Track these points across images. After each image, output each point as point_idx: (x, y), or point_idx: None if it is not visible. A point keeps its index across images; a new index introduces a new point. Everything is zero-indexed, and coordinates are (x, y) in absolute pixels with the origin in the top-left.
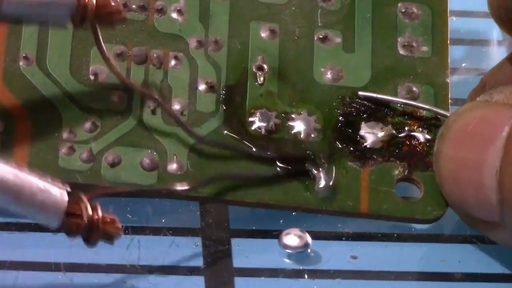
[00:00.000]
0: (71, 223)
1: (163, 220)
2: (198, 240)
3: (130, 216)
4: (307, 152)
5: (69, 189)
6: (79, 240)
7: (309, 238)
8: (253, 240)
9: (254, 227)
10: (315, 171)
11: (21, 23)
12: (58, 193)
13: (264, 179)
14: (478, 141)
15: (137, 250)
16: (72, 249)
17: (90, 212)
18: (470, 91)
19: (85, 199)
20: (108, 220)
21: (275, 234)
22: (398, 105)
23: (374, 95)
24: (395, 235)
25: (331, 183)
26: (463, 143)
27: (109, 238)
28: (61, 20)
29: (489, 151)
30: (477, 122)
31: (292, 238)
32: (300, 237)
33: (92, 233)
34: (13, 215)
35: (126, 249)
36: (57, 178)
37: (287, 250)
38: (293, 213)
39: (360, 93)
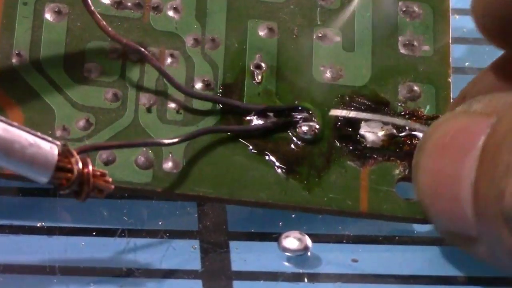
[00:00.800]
0: (61, 177)
1: (160, 223)
2: (195, 243)
3: (126, 219)
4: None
5: (59, 143)
6: (73, 242)
7: (309, 241)
8: (252, 243)
9: (252, 230)
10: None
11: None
12: (48, 147)
13: (250, 132)
14: (455, 153)
15: (133, 253)
16: (67, 252)
17: (80, 166)
18: (451, 102)
19: (75, 153)
20: (98, 173)
21: (274, 237)
22: (399, 104)
23: (346, 114)
24: (397, 238)
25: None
26: (440, 156)
27: (100, 191)
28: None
29: (466, 163)
30: (454, 133)
31: (291, 241)
32: (299, 239)
33: (83, 187)
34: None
35: (122, 252)
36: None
37: (286, 253)
38: (293, 215)
39: (331, 113)
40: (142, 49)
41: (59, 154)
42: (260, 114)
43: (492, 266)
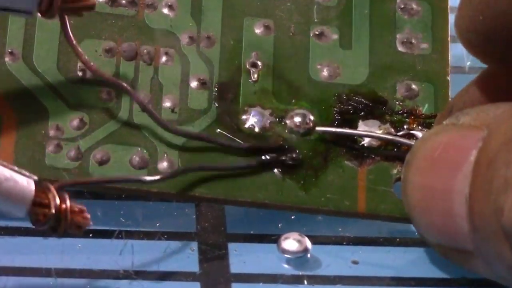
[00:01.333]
0: (38, 213)
1: (157, 224)
2: (193, 245)
3: (123, 220)
4: (281, 143)
5: (36, 178)
6: (70, 244)
7: (308, 243)
8: (251, 244)
9: (251, 231)
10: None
11: None
12: (25, 182)
13: (234, 170)
14: (445, 168)
15: (130, 255)
16: (63, 254)
17: (57, 202)
18: (438, 115)
19: (52, 188)
20: (76, 209)
21: (274, 239)
22: (397, 102)
23: (333, 129)
24: (397, 239)
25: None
26: (430, 170)
27: (78, 228)
28: (27, 8)
29: (458, 178)
30: (444, 147)
31: (291, 243)
32: (299, 241)
33: (60, 223)
34: None
35: (119, 254)
36: (44, 176)
37: (285, 255)
38: (292, 217)
39: (318, 128)
40: (125, 84)
41: (36, 189)
42: (248, 150)
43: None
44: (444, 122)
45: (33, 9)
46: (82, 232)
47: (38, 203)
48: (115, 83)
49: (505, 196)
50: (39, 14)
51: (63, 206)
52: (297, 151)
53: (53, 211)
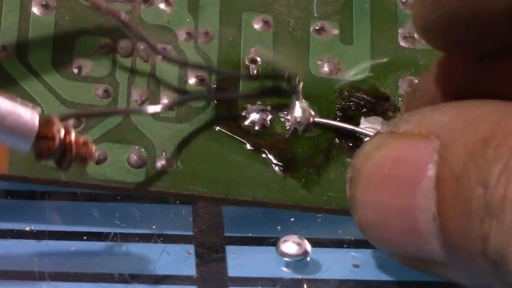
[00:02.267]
0: (43, 146)
1: (154, 226)
2: (190, 248)
3: (118, 222)
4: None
5: (40, 111)
6: (63, 247)
7: (308, 246)
8: (249, 247)
9: (250, 234)
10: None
11: None
12: (29, 115)
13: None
14: (400, 185)
15: (126, 258)
16: (57, 257)
17: (62, 134)
18: (404, 98)
19: (57, 121)
20: (81, 142)
21: (272, 241)
22: (399, 98)
23: (332, 122)
24: None
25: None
26: (382, 188)
27: (82, 160)
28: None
29: (417, 195)
30: (393, 163)
31: (290, 246)
32: (298, 244)
33: (65, 155)
34: None
35: (115, 258)
36: (40, 176)
37: (285, 258)
38: (291, 219)
39: (316, 119)
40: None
41: (40, 122)
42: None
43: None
44: (381, 131)
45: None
46: (87, 164)
47: (42, 136)
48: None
49: (488, 224)
50: (35, 12)
51: (68, 138)
52: (298, 78)
53: (58, 143)
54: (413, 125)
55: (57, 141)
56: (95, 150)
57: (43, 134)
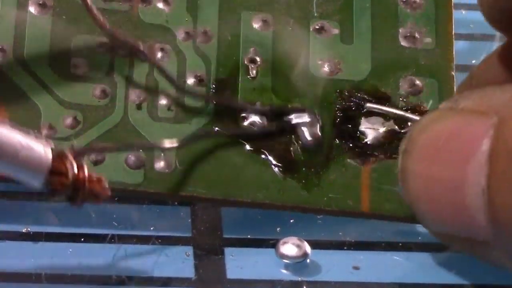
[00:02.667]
0: (55, 182)
1: (152, 228)
2: (189, 250)
3: (116, 224)
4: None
5: (53, 146)
6: (60, 249)
7: (308, 247)
8: (248, 249)
9: (249, 236)
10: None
11: None
12: (42, 150)
13: (252, 134)
14: (453, 158)
15: (123, 260)
16: (54, 259)
17: (75, 170)
18: (459, 85)
19: (70, 156)
20: (95, 178)
21: (272, 243)
22: (400, 98)
23: (381, 107)
24: (400, 244)
25: (317, 130)
26: (435, 160)
27: (96, 198)
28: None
29: (469, 168)
30: (448, 136)
31: (289, 248)
32: (298, 246)
33: (78, 192)
34: None
35: (112, 259)
36: None
37: (284, 260)
38: (291, 221)
39: (368, 104)
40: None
41: (53, 157)
42: (258, 113)
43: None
44: (441, 106)
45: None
46: (100, 202)
47: (55, 172)
48: (134, 47)
49: None
50: (32, 11)
51: (81, 174)
52: (318, 114)
53: (71, 179)
54: (473, 101)
55: (70, 176)
56: (109, 187)
57: (56, 169)
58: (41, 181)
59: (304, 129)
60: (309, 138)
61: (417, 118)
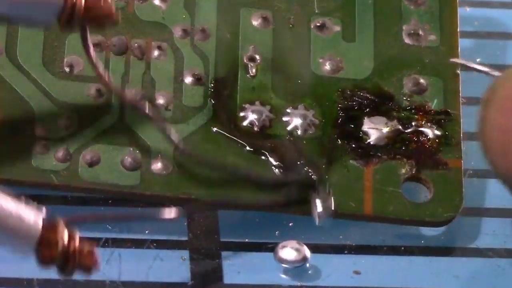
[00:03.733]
0: (44, 254)
1: (147, 231)
2: (185, 254)
3: (109, 227)
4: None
5: (44, 214)
6: None
7: (307, 251)
8: (246, 253)
9: (246, 239)
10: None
11: (4, 22)
12: (32, 218)
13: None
14: None
15: (117, 264)
16: None
17: (66, 241)
18: None
19: (62, 225)
20: (85, 251)
21: (270, 247)
22: (404, 98)
23: (466, 62)
24: (403, 248)
25: (331, 205)
26: None
27: (86, 270)
28: (47, 20)
29: None
30: None
31: (288, 252)
32: (297, 250)
33: (67, 264)
34: None
35: (106, 264)
36: (30, 178)
37: (283, 265)
38: (290, 224)
39: (452, 60)
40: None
41: (43, 227)
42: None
43: None
44: None
45: (52, 21)
46: (90, 273)
47: (44, 242)
48: (137, 107)
49: None
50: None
51: (72, 246)
52: (329, 188)
53: (60, 252)
54: None
55: (60, 248)
56: (100, 261)
57: (46, 240)
58: (30, 251)
59: (318, 202)
60: (320, 210)
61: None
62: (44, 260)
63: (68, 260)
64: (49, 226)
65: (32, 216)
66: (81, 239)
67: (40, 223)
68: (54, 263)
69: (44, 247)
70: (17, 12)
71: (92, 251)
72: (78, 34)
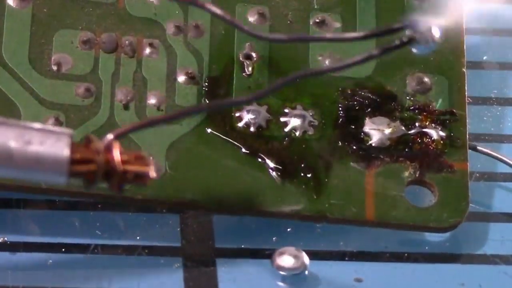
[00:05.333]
0: (82, 172)
1: (138, 237)
2: (178, 261)
3: (99, 233)
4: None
5: (71, 132)
6: (40, 259)
7: (306, 258)
8: (242, 260)
9: (242, 246)
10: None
11: None
12: (54, 139)
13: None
14: None
15: (107, 272)
16: (32, 271)
17: (102, 154)
18: None
19: (95, 138)
20: (127, 157)
21: (267, 254)
22: (407, 97)
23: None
24: (406, 254)
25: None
26: None
27: (138, 178)
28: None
29: None
30: None
31: (286, 258)
32: (296, 257)
33: (113, 177)
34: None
35: (95, 271)
36: (16, 184)
37: (281, 272)
38: (288, 229)
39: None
40: None
41: (73, 145)
42: None
43: None
44: None
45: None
46: (146, 181)
47: (77, 161)
48: None
49: None
50: (11, 3)
51: (111, 156)
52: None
53: (99, 164)
54: None
55: (98, 161)
56: (153, 165)
57: (80, 157)
58: (64, 174)
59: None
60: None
61: None
62: (86, 180)
63: (112, 173)
64: (82, 143)
65: (54, 137)
66: (125, 151)
67: (66, 142)
68: (98, 179)
69: (79, 165)
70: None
71: (138, 155)
72: (67, 31)
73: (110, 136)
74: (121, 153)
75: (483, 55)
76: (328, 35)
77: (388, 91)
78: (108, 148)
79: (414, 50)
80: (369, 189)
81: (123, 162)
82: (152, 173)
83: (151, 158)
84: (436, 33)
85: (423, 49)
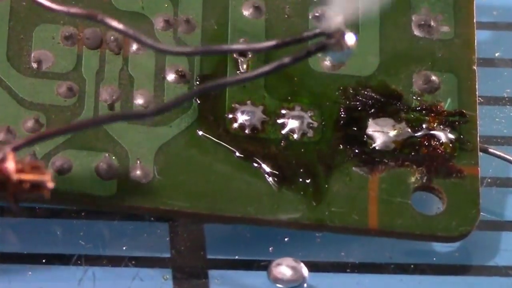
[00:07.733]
0: None
1: (124, 248)
2: (167, 273)
3: (83, 243)
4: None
5: None
6: (19, 271)
7: (304, 270)
8: (236, 272)
9: (236, 256)
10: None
11: None
12: None
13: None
14: None
15: (91, 284)
16: (11, 284)
17: None
18: None
19: None
20: (21, 166)
21: (263, 265)
22: (414, 97)
23: None
24: (412, 266)
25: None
26: None
27: (34, 188)
28: None
29: None
30: None
31: (284, 270)
32: (293, 268)
33: (8, 187)
34: None
35: (78, 284)
36: None
37: (278, 285)
38: (286, 239)
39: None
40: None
41: None
42: None
43: None
44: None
45: None
46: (46, 192)
47: None
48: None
49: None
50: None
51: (4, 165)
52: None
53: None
54: None
55: None
56: (51, 174)
57: None
58: None
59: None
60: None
61: None
62: None
63: (3, 184)
64: None
65: None
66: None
67: None
68: None
69: None
70: None
71: (36, 165)
72: (48, 26)
73: (7, 148)
74: (16, 163)
75: (496, 51)
76: (241, 45)
77: (393, 90)
78: (3, 159)
79: (329, 58)
80: (372, 196)
81: (18, 171)
82: (50, 183)
83: (50, 170)
84: (350, 40)
85: (338, 56)
